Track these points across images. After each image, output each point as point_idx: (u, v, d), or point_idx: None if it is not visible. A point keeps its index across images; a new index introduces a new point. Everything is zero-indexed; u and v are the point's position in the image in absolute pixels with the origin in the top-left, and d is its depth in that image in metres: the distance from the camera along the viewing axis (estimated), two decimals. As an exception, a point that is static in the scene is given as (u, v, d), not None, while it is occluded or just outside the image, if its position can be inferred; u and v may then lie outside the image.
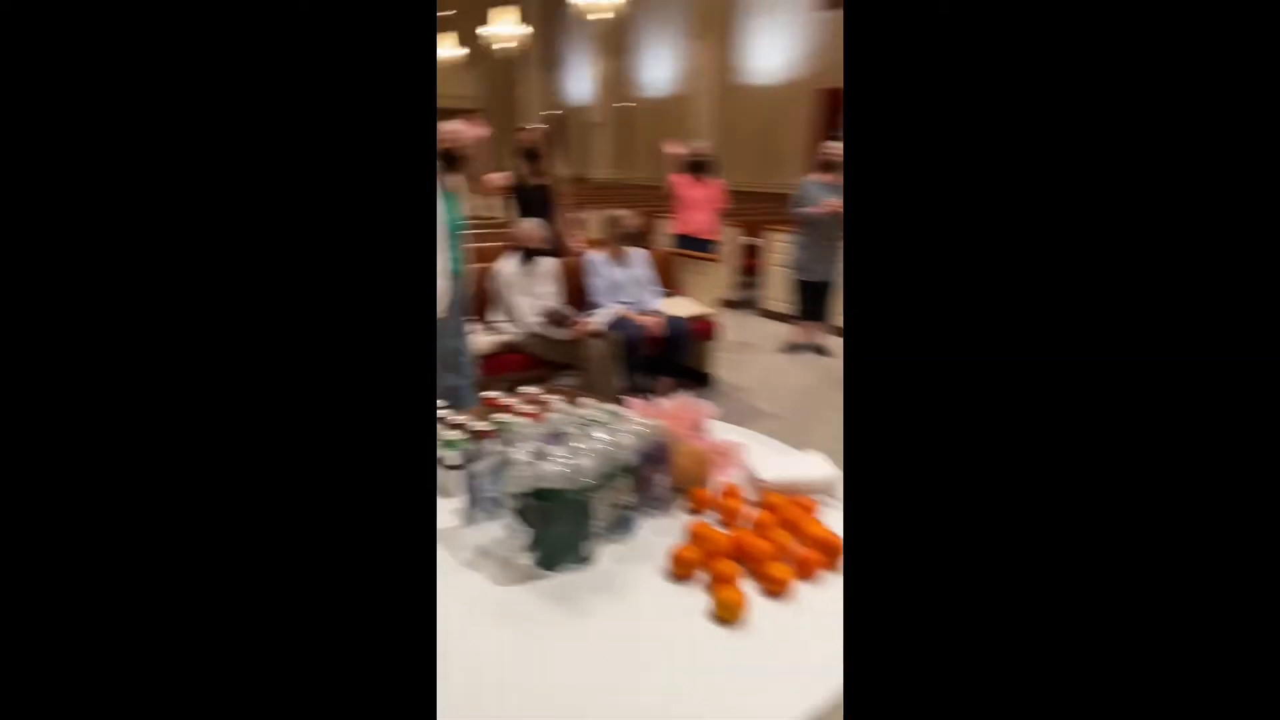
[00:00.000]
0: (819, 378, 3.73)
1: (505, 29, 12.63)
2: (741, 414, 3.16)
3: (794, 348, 4.20)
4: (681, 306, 3.38)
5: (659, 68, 15.03)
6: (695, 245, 3.75)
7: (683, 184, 3.81)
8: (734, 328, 4.80)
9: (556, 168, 3.26)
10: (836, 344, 4.35)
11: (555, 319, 2.69)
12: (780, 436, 2.86)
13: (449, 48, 14.81)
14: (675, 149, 3.84)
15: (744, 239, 5.44)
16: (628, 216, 3.24)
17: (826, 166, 3.82)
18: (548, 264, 2.91)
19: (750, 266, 5.45)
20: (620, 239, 3.17)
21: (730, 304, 5.49)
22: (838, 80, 10.12)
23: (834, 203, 3.75)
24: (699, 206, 3.81)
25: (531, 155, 3.11)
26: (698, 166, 3.78)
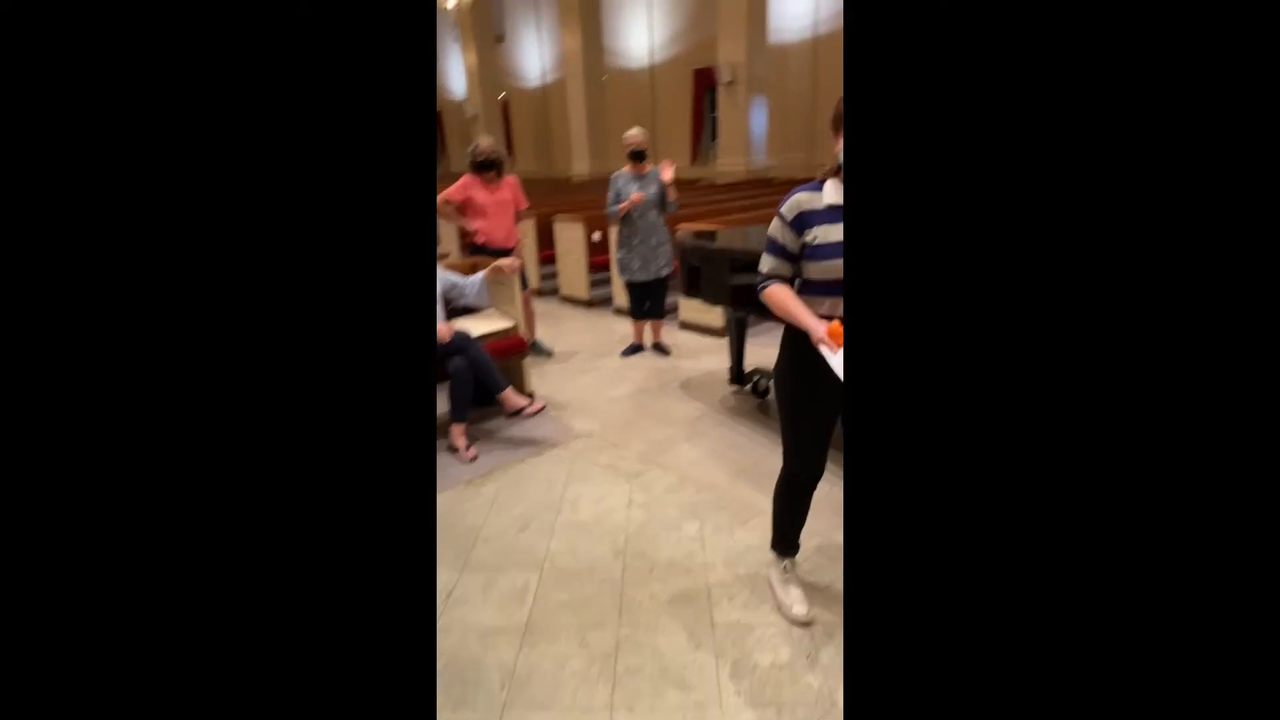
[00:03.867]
0: (648, 381, 3.49)
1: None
2: (554, 434, 2.88)
3: (633, 349, 3.96)
4: (482, 323, 3.06)
5: (530, 56, 14.53)
6: (492, 255, 3.42)
7: (471, 187, 3.46)
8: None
9: None
10: (680, 340, 4.15)
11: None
12: (587, 455, 2.63)
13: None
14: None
15: (595, 234, 5.16)
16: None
17: (633, 157, 3.55)
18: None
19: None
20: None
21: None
22: (708, 59, 10.02)
23: (636, 196, 3.50)
24: (491, 212, 3.47)
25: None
26: (485, 167, 3.43)
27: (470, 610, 1.80)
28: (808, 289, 1.43)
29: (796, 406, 1.54)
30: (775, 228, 1.44)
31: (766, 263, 1.47)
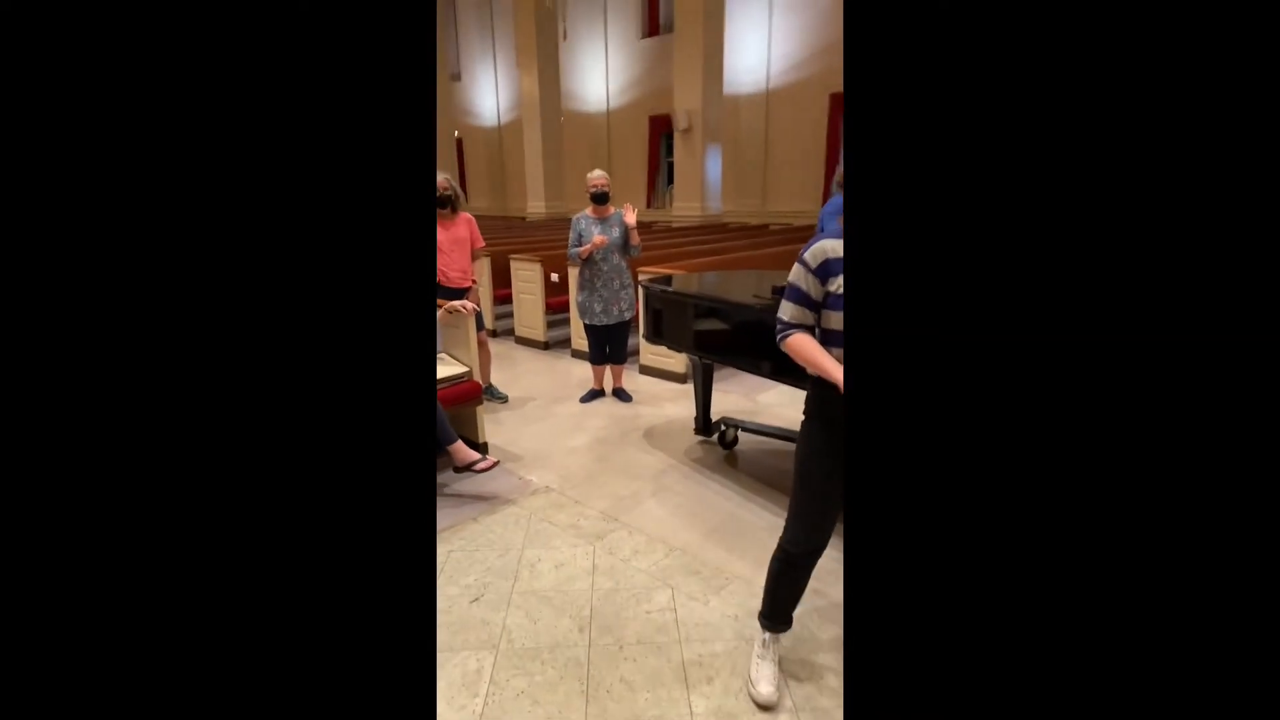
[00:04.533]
0: (609, 430, 3.34)
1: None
2: (509, 489, 2.68)
3: (592, 395, 3.81)
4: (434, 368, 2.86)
5: (486, 95, 14.58)
6: (447, 294, 3.25)
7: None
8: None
9: None
10: (641, 385, 4.02)
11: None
12: (545, 513, 2.44)
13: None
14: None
15: (553, 274, 5.03)
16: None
17: (595, 199, 3.47)
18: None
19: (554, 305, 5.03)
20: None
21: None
22: (664, 106, 10.23)
23: (599, 238, 3.41)
24: (445, 249, 3.32)
25: None
26: (440, 203, 3.29)
27: (414, 702, 1.57)
28: (828, 339, 1.34)
29: (814, 474, 1.43)
30: (798, 274, 1.35)
31: (787, 310, 1.38)
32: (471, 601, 1.96)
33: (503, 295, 5.39)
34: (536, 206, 10.82)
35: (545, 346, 5.07)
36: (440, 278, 3.33)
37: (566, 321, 4.99)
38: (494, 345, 4.80)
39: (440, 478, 2.78)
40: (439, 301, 3.04)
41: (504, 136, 14.40)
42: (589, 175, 3.50)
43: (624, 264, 3.56)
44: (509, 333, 5.40)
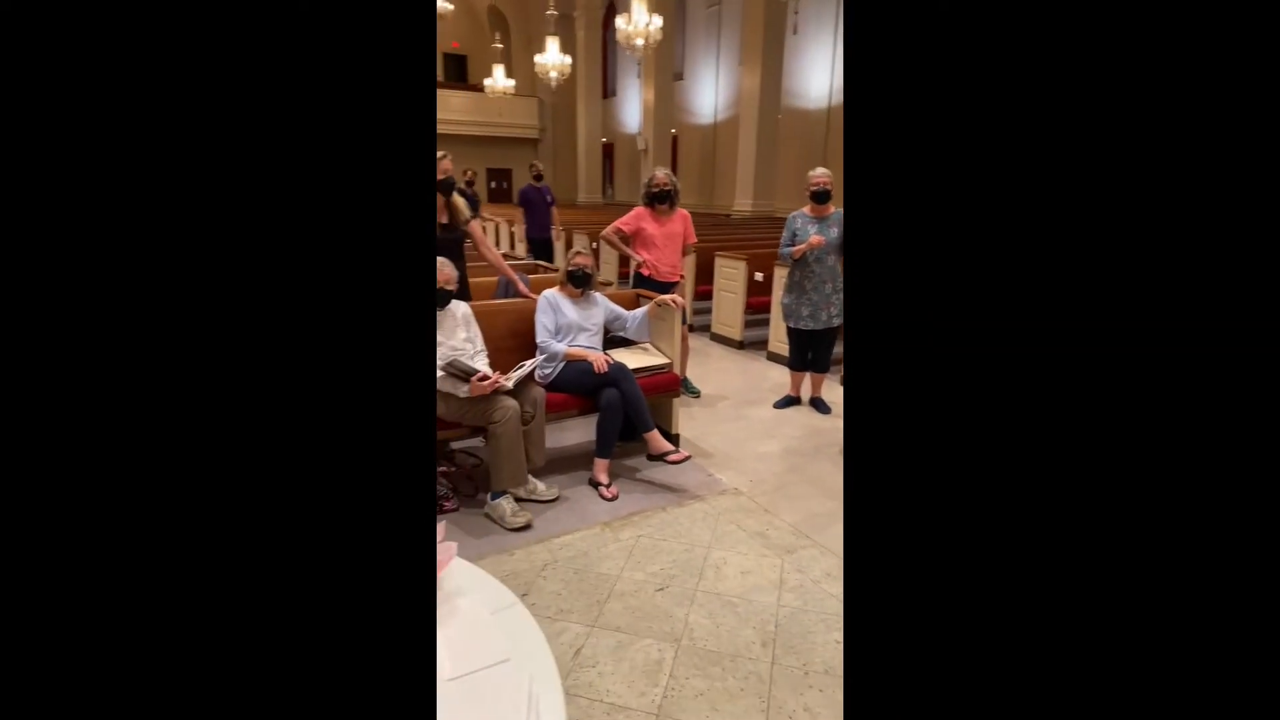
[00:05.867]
0: (803, 441, 3.19)
1: (554, 58, 12.69)
2: (697, 484, 2.69)
3: (787, 401, 3.67)
4: (639, 357, 2.96)
5: (705, 94, 14.79)
6: (656, 287, 3.32)
7: (642, 218, 3.40)
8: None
9: (462, 210, 2.88)
10: (841, 398, 3.80)
11: (457, 372, 2.31)
12: (732, 515, 2.41)
13: (501, 77, 15.12)
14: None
15: (758, 274, 4.96)
16: (579, 254, 2.86)
17: (815, 197, 3.31)
18: (460, 308, 2.55)
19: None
20: (572, 278, 2.80)
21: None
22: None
23: (816, 239, 3.24)
24: (659, 244, 3.39)
25: (444, 190, 2.78)
26: (659, 199, 3.35)
27: (598, 677, 1.63)
28: None
29: None
30: None
31: None
32: (657, 590, 1.99)
33: (704, 291, 5.43)
34: (743, 204, 10.76)
35: (740, 346, 5.02)
36: (649, 271, 3.43)
37: (764, 322, 4.89)
38: (691, 340, 4.86)
39: (633, 462, 2.88)
40: (647, 294, 3.13)
41: (718, 133, 14.53)
42: (810, 173, 3.36)
43: (839, 267, 3.38)
44: (705, 328, 5.43)
